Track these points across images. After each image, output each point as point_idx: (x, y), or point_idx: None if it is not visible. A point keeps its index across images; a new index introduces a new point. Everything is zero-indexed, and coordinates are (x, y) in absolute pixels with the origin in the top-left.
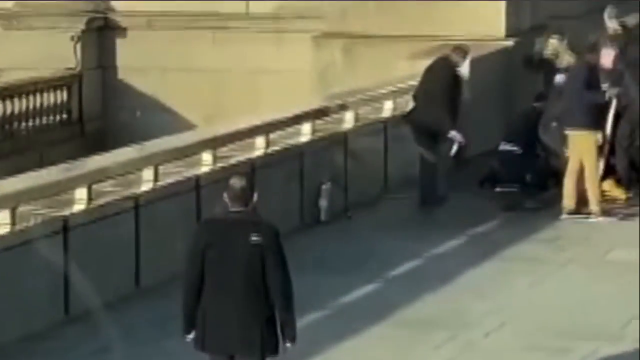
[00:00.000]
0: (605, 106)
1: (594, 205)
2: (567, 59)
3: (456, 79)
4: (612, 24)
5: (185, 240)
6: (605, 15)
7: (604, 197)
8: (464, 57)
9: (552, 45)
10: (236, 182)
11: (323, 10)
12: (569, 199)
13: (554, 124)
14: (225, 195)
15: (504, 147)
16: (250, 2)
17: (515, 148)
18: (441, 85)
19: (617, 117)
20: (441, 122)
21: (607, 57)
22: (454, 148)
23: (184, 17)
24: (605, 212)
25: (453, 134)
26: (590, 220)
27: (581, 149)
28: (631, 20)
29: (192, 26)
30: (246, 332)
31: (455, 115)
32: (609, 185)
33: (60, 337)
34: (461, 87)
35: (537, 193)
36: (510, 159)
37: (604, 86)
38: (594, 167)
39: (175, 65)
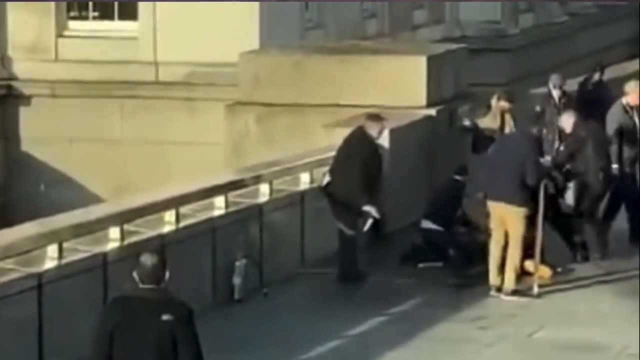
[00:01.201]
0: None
1: (509, 283)
2: (491, 127)
3: (374, 150)
4: (556, 92)
5: (92, 320)
6: (551, 85)
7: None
8: (381, 127)
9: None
10: (147, 259)
11: (236, 77)
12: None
13: (480, 195)
14: (135, 272)
15: (425, 224)
16: (160, 68)
17: (434, 226)
18: (358, 157)
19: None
20: (357, 196)
21: (567, 122)
22: (368, 223)
23: (90, 84)
24: (517, 292)
25: (367, 208)
26: (506, 298)
27: (511, 224)
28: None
29: (99, 94)
30: None
31: (372, 188)
32: (531, 265)
33: None
34: (380, 159)
35: (462, 269)
36: (432, 236)
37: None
38: (519, 244)
39: (81, 135)
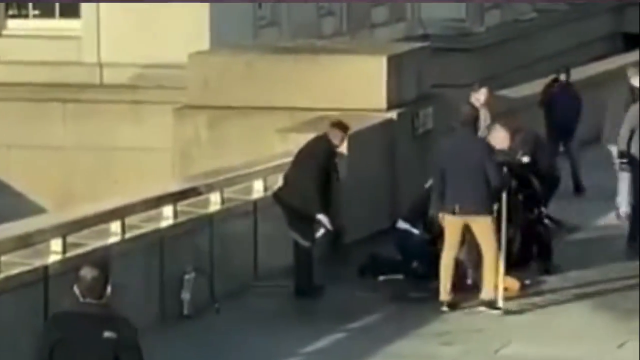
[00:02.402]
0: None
1: (486, 294)
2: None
3: (332, 158)
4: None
5: (32, 337)
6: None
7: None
8: (344, 135)
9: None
10: (87, 273)
11: (185, 79)
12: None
13: (432, 211)
14: (75, 287)
15: (400, 225)
16: (105, 69)
17: (411, 228)
18: (315, 164)
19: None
20: (309, 204)
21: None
22: (319, 232)
23: (30, 87)
24: (489, 303)
25: (320, 217)
26: (478, 309)
27: (483, 236)
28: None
29: (39, 98)
30: None
31: (327, 197)
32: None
33: None
34: (336, 169)
35: (424, 281)
36: (404, 239)
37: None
38: (494, 253)
39: (20, 141)
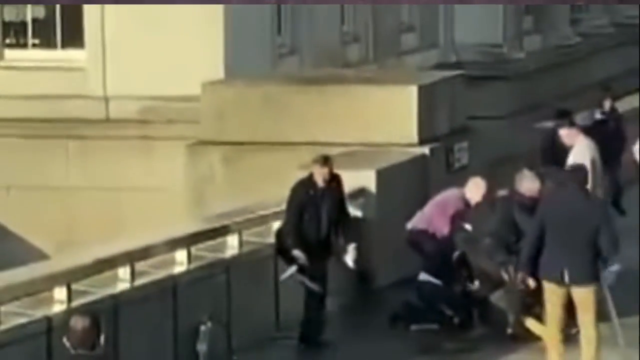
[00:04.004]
0: None
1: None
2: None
3: (309, 192)
4: None
5: None
6: None
7: None
8: (321, 166)
9: None
10: (77, 323)
11: (198, 112)
12: None
13: (487, 240)
14: (65, 339)
15: (423, 276)
16: (111, 102)
17: (432, 279)
18: (294, 202)
19: None
20: (285, 240)
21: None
22: (290, 270)
23: (30, 122)
24: None
25: (296, 252)
26: None
27: (583, 306)
28: None
29: (40, 134)
30: None
31: (302, 234)
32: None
33: None
34: (317, 208)
35: (460, 331)
36: (427, 291)
37: None
38: (596, 329)
39: (21, 181)
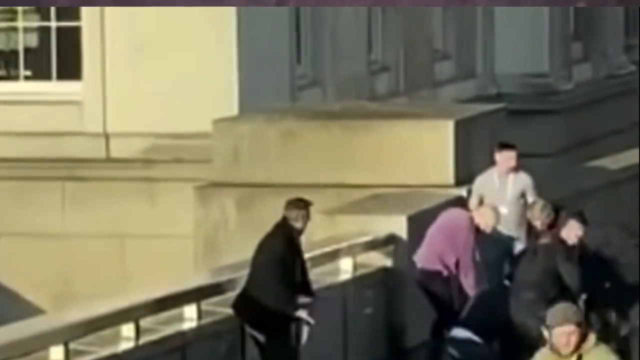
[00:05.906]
0: None
1: None
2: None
3: (292, 245)
4: None
5: None
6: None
7: None
8: (304, 212)
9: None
10: None
11: (209, 151)
12: None
13: (529, 293)
14: None
15: (458, 333)
16: (112, 140)
17: (471, 335)
18: (271, 257)
19: None
20: (281, 303)
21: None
22: (305, 334)
23: (22, 162)
24: None
25: (300, 314)
26: None
27: None
28: None
29: (34, 176)
30: None
31: (294, 289)
32: None
33: None
34: (301, 255)
35: None
36: (466, 349)
37: None
38: None
39: (11, 228)
